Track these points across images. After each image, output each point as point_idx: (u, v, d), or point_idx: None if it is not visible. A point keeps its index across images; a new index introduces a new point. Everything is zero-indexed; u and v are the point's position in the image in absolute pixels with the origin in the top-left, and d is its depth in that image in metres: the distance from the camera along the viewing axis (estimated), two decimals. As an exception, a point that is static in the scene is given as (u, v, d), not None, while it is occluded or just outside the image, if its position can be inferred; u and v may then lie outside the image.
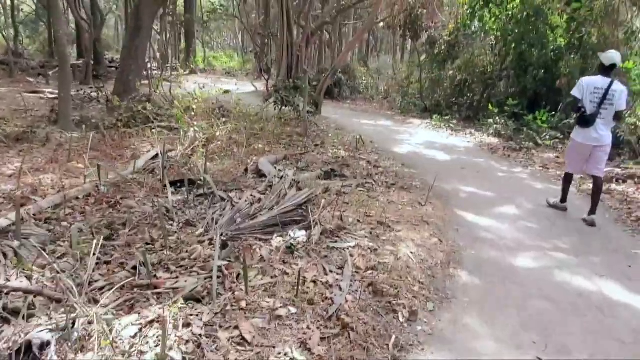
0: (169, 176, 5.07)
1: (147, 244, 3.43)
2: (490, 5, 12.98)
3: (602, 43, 11.80)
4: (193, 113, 7.91)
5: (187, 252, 3.20)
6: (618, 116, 5.08)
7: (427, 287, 3.35)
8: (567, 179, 5.71)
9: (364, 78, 19.63)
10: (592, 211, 5.28)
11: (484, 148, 9.92)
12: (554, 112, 11.04)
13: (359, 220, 4.22)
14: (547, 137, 10.00)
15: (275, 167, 6.27)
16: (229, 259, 3.08)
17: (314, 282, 2.87)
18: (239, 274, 2.80)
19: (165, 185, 4.85)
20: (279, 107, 10.97)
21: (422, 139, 10.49)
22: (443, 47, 14.40)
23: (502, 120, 11.36)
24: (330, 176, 6.19)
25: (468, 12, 13.72)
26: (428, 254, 3.83)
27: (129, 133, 7.54)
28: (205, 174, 4.67)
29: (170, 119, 8.40)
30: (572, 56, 11.96)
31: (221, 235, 3.49)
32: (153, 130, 7.73)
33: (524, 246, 4.55)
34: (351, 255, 3.37)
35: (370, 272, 3.18)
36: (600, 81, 4.95)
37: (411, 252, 3.70)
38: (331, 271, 3.09)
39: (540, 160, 8.74)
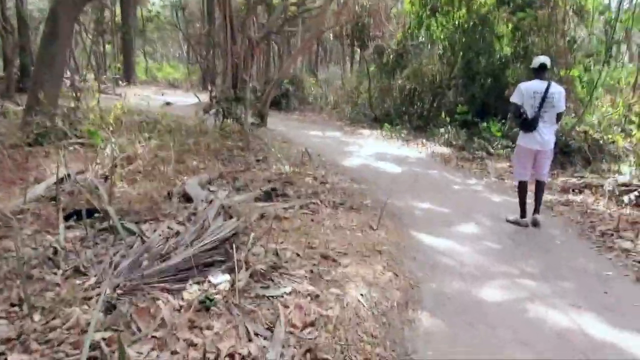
0: (70, 205, 4.15)
1: (13, 305, 2.55)
2: (437, 14, 12.76)
3: (546, 52, 11.78)
4: (112, 127, 6.94)
5: (62, 317, 2.35)
6: (559, 118, 5.15)
7: (382, 341, 2.65)
8: (521, 189, 5.37)
9: (312, 89, 19.06)
10: (537, 210, 5.25)
11: (437, 158, 9.49)
12: (503, 121, 10.84)
13: (298, 255, 3.48)
14: (499, 146, 9.71)
15: (208, 189, 5.46)
16: (116, 327, 2.25)
17: (231, 356, 2.10)
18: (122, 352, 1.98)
19: (67, 217, 3.95)
20: (220, 119, 10.12)
21: (372, 150, 9.94)
22: (391, 57, 14.05)
23: (453, 129, 11.04)
24: (271, 197, 5.44)
25: (415, 21, 13.47)
26: (382, 295, 3.15)
27: (38, 152, 6.48)
28: (109, 203, 3.80)
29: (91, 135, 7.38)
30: (518, 65, 11.86)
31: (116, 287, 2.66)
32: (69, 148, 6.70)
33: (490, 273, 3.97)
34: (285, 307, 2.62)
35: (309, 330, 2.45)
36: (538, 85, 4.97)
37: (361, 295, 3.00)
38: (257, 334, 2.32)
39: (495, 170, 8.36)
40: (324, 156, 8.72)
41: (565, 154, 8.86)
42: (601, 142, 8.67)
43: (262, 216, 4.31)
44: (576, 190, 6.81)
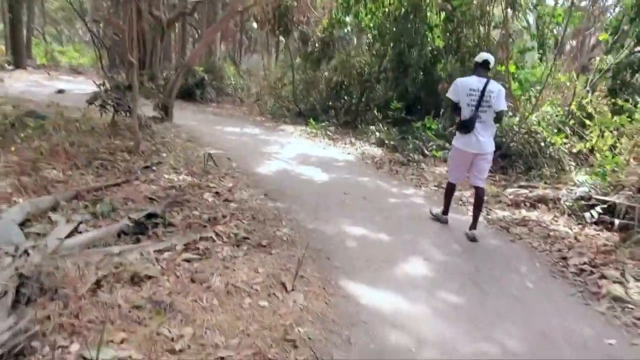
0: None
1: None
2: (366, 0, 11.42)
3: (479, 45, 10.89)
4: None
5: None
6: (498, 117, 4.48)
7: None
8: (450, 190, 4.92)
9: (232, 79, 17.13)
10: (474, 226, 4.59)
11: (368, 162, 8.14)
12: (437, 118, 9.77)
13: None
14: (435, 147, 8.56)
15: (49, 219, 3.62)
16: None
17: None
18: None
19: None
20: (109, 111, 8.06)
21: (295, 151, 8.39)
22: (317, 45, 12.55)
23: (385, 127, 9.80)
24: (144, 229, 3.71)
25: (342, 7, 12.04)
26: None
27: None
28: None
29: None
30: (450, 58, 10.86)
31: None
32: None
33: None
34: None
35: None
36: (476, 82, 4.37)
37: None
38: None
39: (433, 176, 7.17)
40: (236, 160, 7.03)
41: (505, 157, 7.89)
42: (542, 144, 7.78)
43: (96, 283, 2.60)
44: (527, 204, 5.73)
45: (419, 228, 4.82)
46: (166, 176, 5.50)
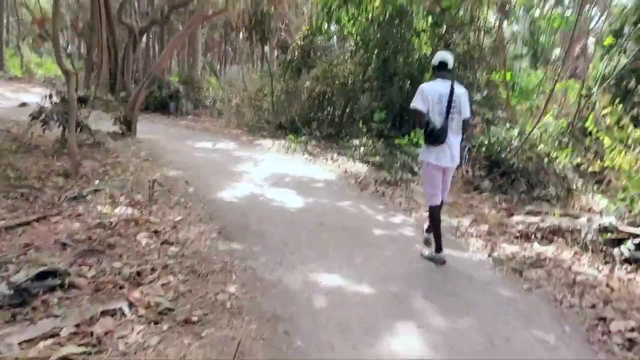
0: None
1: None
2: (348, 4, 10.42)
3: (469, 52, 9.95)
4: None
5: None
6: (466, 126, 4.07)
7: None
8: (436, 216, 4.00)
9: (211, 90, 16.01)
10: (439, 247, 3.97)
11: (351, 181, 7.06)
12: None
13: None
14: (425, 163, 7.51)
15: None
16: None
17: None
18: None
19: None
20: (53, 127, 6.93)
21: (269, 170, 7.28)
22: (296, 54, 11.51)
23: (370, 141, 8.76)
24: (27, 298, 2.58)
25: (323, 12, 11.03)
26: None
27: None
28: None
29: None
30: (439, 66, 9.86)
31: None
32: None
33: None
34: None
35: None
36: (442, 86, 3.81)
37: None
38: None
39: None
40: (196, 183, 5.91)
41: (504, 174, 6.88)
42: (545, 159, 6.78)
43: None
44: (538, 236, 4.68)
45: (409, 272, 3.74)
46: (99, 208, 4.36)
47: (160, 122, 12.05)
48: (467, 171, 7.15)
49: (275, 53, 12.70)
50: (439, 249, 3.97)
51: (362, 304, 3.16)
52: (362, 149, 8.61)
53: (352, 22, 10.57)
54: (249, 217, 4.79)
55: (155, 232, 3.91)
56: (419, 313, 3.09)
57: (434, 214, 3.99)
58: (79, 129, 7.43)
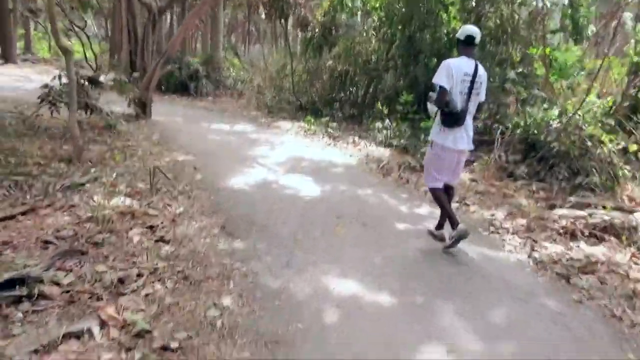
0: None
1: None
2: (372, -23, 9.64)
3: (502, 25, 9.07)
4: None
5: None
6: (480, 109, 3.89)
7: None
8: (441, 196, 3.72)
9: (232, 70, 15.50)
10: (455, 222, 3.59)
11: (372, 167, 6.47)
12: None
13: None
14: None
15: None
16: None
17: None
18: None
19: None
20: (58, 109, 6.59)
21: (285, 154, 6.76)
22: (317, 31, 10.82)
23: (394, 124, 8.11)
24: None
25: (345, -14, 10.27)
26: None
27: None
28: None
29: None
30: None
31: None
32: None
33: None
34: None
35: None
36: (467, 64, 3.52)
37: None
38: None
39: (453, 188, 5.48)
40: (205, 169, 5.45)
41: (541, 160, 6.15)
42: (589, 143, 6.01)
43: None
44: (587, 234, 4.02)
45: (438, 278, 3.18)
46: (95, 199, 3.93)
47: (179, 104, 11.64)
48: (499, 156, 6.45)
49: (297, 31, 12.01)
50: (454, 224, 3.61)
51: (381, 319, 2.64)
52: (385, 131, 7.97)
53: (375, -5, 9.79)
54: (257, 208, 4.30)
55: (151, 227, 3.46)
56: (449, 333, 2.55)
57: (438, 194, 3.74)
58: (89, 111, 7.09)
